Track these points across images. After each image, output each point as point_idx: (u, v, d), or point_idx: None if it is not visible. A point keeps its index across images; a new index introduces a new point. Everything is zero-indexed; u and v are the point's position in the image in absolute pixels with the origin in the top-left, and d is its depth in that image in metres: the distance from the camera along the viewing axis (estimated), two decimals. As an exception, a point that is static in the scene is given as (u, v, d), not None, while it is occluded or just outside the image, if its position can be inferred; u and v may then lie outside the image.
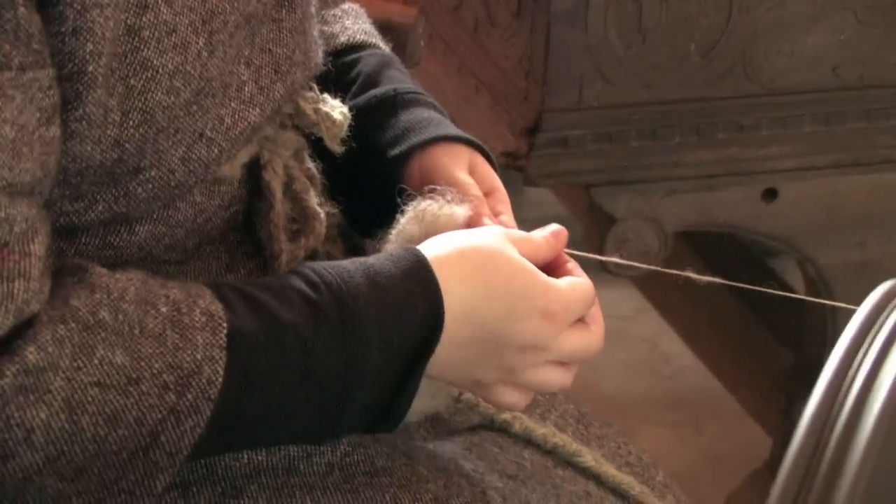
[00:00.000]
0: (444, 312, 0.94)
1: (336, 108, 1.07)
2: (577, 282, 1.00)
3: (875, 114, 1.69)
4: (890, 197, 1.73)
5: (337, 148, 1.08)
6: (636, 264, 1.23)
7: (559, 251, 1.03)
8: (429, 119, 1.10)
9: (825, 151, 1.70)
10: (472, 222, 1.03)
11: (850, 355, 0.71)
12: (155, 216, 0.97)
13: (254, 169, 1.04)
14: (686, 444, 2.39)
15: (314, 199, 1.06)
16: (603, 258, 1.35)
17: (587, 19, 1.56)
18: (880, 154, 1.71)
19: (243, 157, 1.02)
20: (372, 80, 1.14)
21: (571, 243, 1.79)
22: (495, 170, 1.10)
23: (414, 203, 1.03)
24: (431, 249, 0.97)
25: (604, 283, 2.47)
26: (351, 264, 0.95)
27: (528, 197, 2.54)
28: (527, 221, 2.72)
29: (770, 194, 1.71)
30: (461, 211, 1.02)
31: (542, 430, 1.13)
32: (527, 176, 1.63)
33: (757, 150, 1.67)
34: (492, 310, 0.96)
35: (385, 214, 1.04)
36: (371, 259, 0.96)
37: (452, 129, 1.10)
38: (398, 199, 1.04)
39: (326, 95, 1.08)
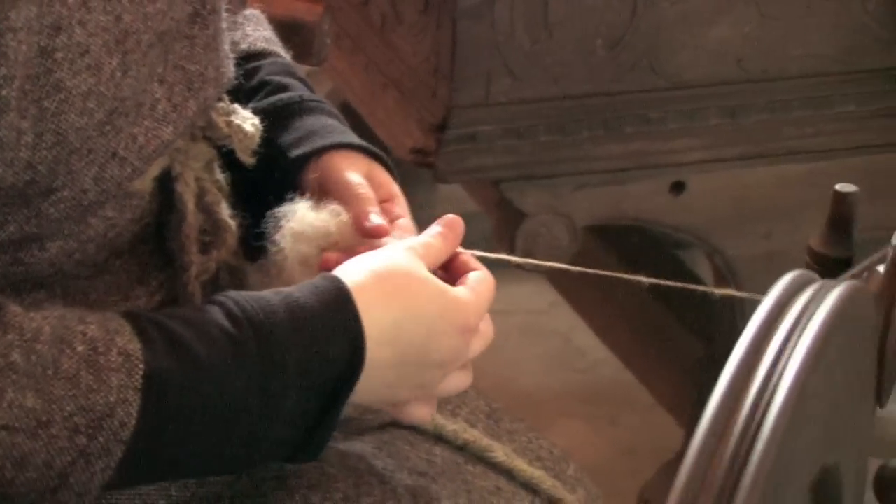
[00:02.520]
0: (365, 346, 0.95)
1: (248, 120, 1.07)
2: (478, 284, 1.01)
3: (779, 106, 1.71)
4: (795, 188, 1.74)
5: (249, 160, 1.07)
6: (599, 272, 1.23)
7: (456, 244, 1.04)
8: (332, 126, 1.11)
9: (731, 144, 1.71)
10: (357, 223, 1.03)
11: (754, 346, 0.72)
12: (66, 232, 0.96)
13: (165, 181, 1.03)
14: (601, 436, 2.40)
15: (226, 211, 1.06)
16: (567, 267, 1.34)
17: (493, 15, 1.57)
18: (785, 145, 1.73)
19: (154, 170, 1.01)
20: (280, 86, 1.14)
21: (483, 239, 1.80)
22: (395, 178, 1.10)
23: (287, 222, 1.03)
24: (351, 276, 0.97)
25: (517, 279, 2.48)
26: (274, 296, 0.95)
27: (441, 193, 2.54)
28: (438, 218, 2.72)
29: (678, 187, 1.72)
30: (334, 222, 1.03)
31: (453, 427, 1.13)
32: (436, 172, 1.63)
33: (664, 144, 1.69)
34: (413, 333, 0.97)
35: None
36: (294, 292, 0.96)
37: (354, 138, 1.10)
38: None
39: (237, 106, 1.07)
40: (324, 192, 1.06)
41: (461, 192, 2.24)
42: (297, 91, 1.14)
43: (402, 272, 0.97)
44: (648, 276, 2.08)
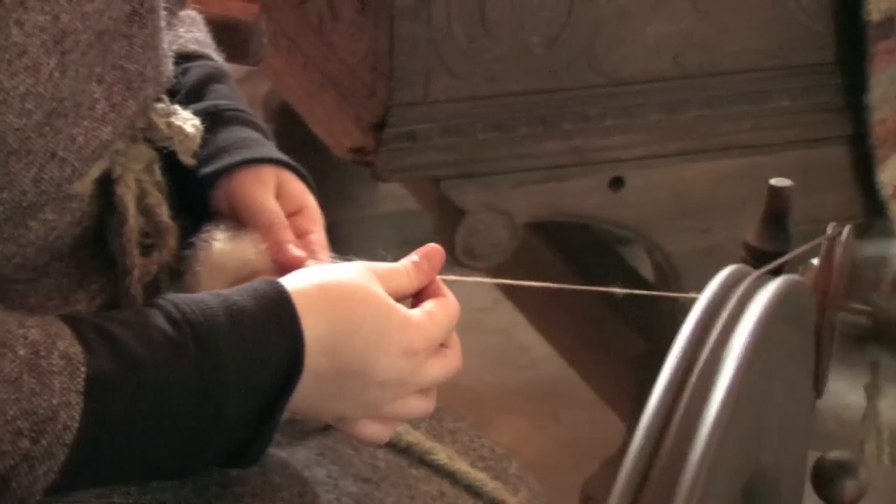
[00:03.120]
0: (304, 352, 0.94)
1: (188, 121, 1.06)
2: (436, 309, 1.00)
3: (716, 101, 1.72)
4: (734, 183, 1.75)
5: (190, 161, 1.07)
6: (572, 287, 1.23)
7: (432, 274, 1.02)
8: (244, 140, 1.10)
9: (669, 139, 1.72)
10: (274, 255, 1.03)
11: (693, 342, 0.72)
12: (5, 235, 0.95)
13: (105, 183, 1.02)
14: (544, 432, 2.41)
15: (167, 213, 1.05)
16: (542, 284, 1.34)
17: (431, 13, 1.57)
18: (723, 140, 1.74)
19: (95, 172, 1.00)
20: (195, 93, 1.13)
21: (423, 237, 1.80)
22: (309, 186, 1.10)
23: (204, 243, 1.03)
24: (294, 283, 0.96)
25: (462, 275, 2.47)
26: (214, 299, 0.94)
27: (382, 192, 2.54)
28: (381, 216, 2.73)
29: (617, 183, 1.73)
30: (252, 252, 1.03)
31: (397, 429, 1.13)
32: (375, 171, 1.63)
33: (603, 140, 1.69)
34: (352, 345, 0.96)
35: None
36: (234, 295, 0.95)
37: (264, 150, 1.09)
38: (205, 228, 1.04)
39: (178, 107, 1.07)
40: (234, 215, 1.05)
41: (403, 190, 2.24)
42: (214, 99, 1.13)
43: (348, 285, 0.97)
44: (590, 271, 2.10)
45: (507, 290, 2.42)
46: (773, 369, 0.77)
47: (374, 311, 0.96)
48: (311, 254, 1.04)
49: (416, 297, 1.02)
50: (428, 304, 1.00)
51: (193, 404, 0.91)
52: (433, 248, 1.03)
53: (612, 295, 2.10)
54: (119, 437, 0.89)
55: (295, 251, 1.03)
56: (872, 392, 1.82)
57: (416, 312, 0.99)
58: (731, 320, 0.73)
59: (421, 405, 1.00)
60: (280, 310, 0.94)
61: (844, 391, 2.11)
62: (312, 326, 0.94)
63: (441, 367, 1.00)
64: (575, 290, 2.18)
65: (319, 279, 0.97)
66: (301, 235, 1.06)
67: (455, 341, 1.02)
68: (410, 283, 1.01)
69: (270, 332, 0.93)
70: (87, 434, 0.88)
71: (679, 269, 1.78)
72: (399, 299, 1.00)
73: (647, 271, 2.02)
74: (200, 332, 0.92)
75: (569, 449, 2.35)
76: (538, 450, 2.34)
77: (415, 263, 1.02)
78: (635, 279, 2.03)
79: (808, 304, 0.85)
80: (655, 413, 0.67)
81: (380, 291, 0.97)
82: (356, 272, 0.98)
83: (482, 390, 2.51)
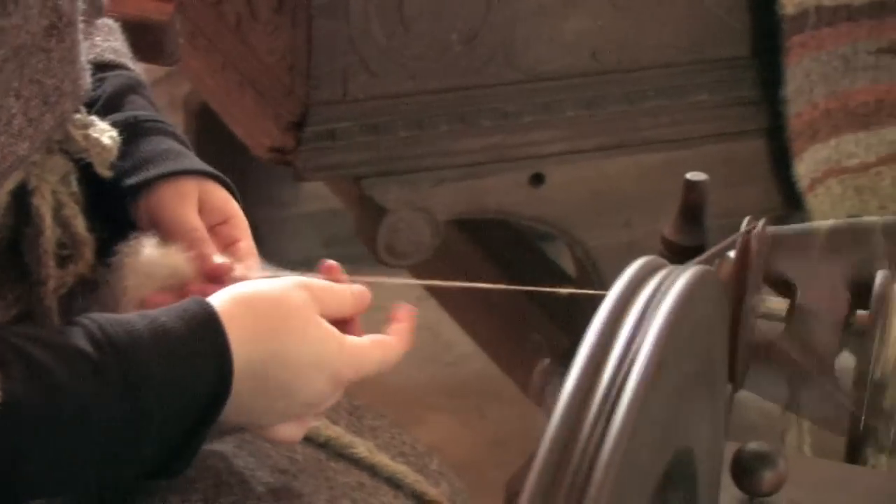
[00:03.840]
0: (232, 377, 0.94)
1: (105, 133, 1.05)
2: (382, 341, 1.01)
3: (635, 96, 1.73)
4: (653, 177, 1.76)
5: (106, 173, 1.06)
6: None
7: (362, 310, 1.03)
8: (165, 151, 1.09)
9: (589, 135, 1.73)
10: (200, 268, 1.02)
11: (604, 335, 0.73)
12: None
13: (21, 195, 1.01)
14: (470, 429, 2.41)
15: (83, 225, 1.04)
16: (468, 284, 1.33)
17: (348, 11, 1.57)
18: (642, 136, 1.75)
19: (10, 183, 0.99)
20: (112, 104, 1.12)
21: (347, 236, 1.78)
22: (234, 194, 1.09)
23: (130, 253, 1.02)
24: (224, 303, 0.96)
25: (383, 274, 2.46)
26: (139, 320, 0.93)
27: (305, 191, 2.53)
28: (305, 216, 2.72)
29: (537, 179, 1.73)
30: (180, 260, 1.02)
31: (315, 424, 1.13)
32: (295, 170, 1.63)
33: (522, 136, 1.70)
34: (281, 370, 0.96)
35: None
36: (162, 316, 0.94)
37: (185, 162, 1.09)
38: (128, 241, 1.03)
39: (94, 118, 1.06)
40: (156, 228, 1.05)
41: (326, 189, 2.23)
42: (133, 110, 1.12)
43: (282, 305, 0.97)
44: (512, 268, 2.10)
45: (430, 287, 2.41)
46: (685, 362, 0.77)
47: (308, 334, 0.97)
48: (238, 262, 1.04)
49: (347, 324, 1.02)
50: (377, 337, 1.01)
51: (115, 428, 0.90)
52: (364, 291, 1.03)
53: (536, 291, 2.11)
54: (37, 460, 0.89)
55: (219, 259, 1.03)
56: (794, 381, 1.83)
57: (354, 338, 0.99)
58: (644, 311, 0.73)
59: (331, 401, 1.01)
60: (209, 332, 0.93)
61: (766, 381, 2.13)
62: (242, 349, 0.94)
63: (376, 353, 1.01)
64: (505, 288, 2.19)
65: (251, 298, 0.96)
66: (229, 245, 1.06)
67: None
68: (352, 307, 1.02)
69: (198, 355, 0.93)
70: (3, 458, 0.87)
71: (600, 264, 1.79)
72: (333, 320, 0.99)
73: (569, 266, 2.03)
74: (124, 354, 0.91)
75: (495, 445, 2.35)
76: (464, 446, 2.34)
77: (354, 293, 1.02)
78: (557, 275, 2.04)
79: (721, 295, 0.86)
80: (568, 407, 0.67)
81: (314, 314, 0.97)
82: (292, 290, 0.98)
83: (408, 388, 2.51)
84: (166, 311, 0.94)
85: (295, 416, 0.99)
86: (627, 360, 0.70)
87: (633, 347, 0.72)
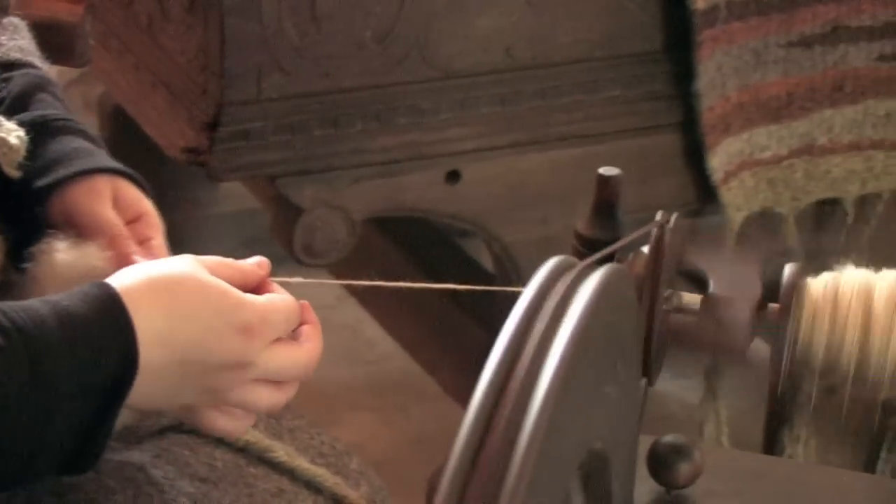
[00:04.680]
0: (137, 349, 0.93)
1: (12, 132, 1.04)
2: (276, 296, 0.99)
3: (549, 92, 1.73)
4: (568, 172, 1.77)
5: (14, 173, 1.05)
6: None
7: (262, 278, 1.02)
8: (76, 150, 1.08)
9: (504, 131, 1.73)
10: (118, 264, 1.02)
11: (517, 334, 0.73)
12: None
13: None
14: (392, 427, 2.41)
15: None
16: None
17: (261, 11, 1.56)
18: (556, 131, 1.76)
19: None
20: (19, 104, 1.11)
21: (266, 236, 1.78)
22: (146, 192, 1.09)
23: (46, 254, 1.01)
24: (122, 281, 0.95)
25: (303, 274, 2.45)
26: (42, 305, 0.92)
27: (223, 191, 2.52)
28: (223, 216, 2.70)
29: (453, 176, 1.73)
30: (96, 260, 1.02)
31: (250, 424, 1.12)
32: (210, 171, 1.62)
33: (438, 134, 1.70)
34: (187, 332, 0.95)
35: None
36: (64, 300, 0.93)
37: (97, 160, 1.08)
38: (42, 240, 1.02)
39: (1, 118, 1.05)
40: (72, 228, 1.04)
41: (244, 189, 2.22)
42: (42, 110, 1.11)
43: (178, 274, 0.96)
44: (430, 265, 2.10)
45: (350, 286, 2.41)
46: (598, 358, 0.78)
47: (207, 294, 0.96)
48: (149, 252, 1.04)
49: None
50: (270, 294, 1.00)
51: (26, 413, 0.89)
52: (264, 260, 1.03)
53: (450, 289, 2.11)
54: None
55: (140, 259, 1.03)
56: (711, 374, 1.85)
57: (252, 295, 0.98)
58: (555, 312, 0.74)
59: (266, 395, 0.99)
60: (111, 310, 0.93)
61: (685, 374, 2.15)
62: (146, 320, 0.93)
63: (287, 355, 0.98)
64: (420, 287, 2.19)
65: (148, 273, 0.96)
66: (141, 242, 1.06)
67: (315, 336, 1.02)
68: (241, 277, 1.00)
69: (102, 333, 0.92)
70: None
71: (517, 260, 1.79)
72: None
73: (488, 263, 2.03)
74: (31, 340, 0.90)
75: (417, 443, 2.35)
76: (386, 445, 2.34)
77: (252, 264, 1.02)
78: (476, 271, 2.04)
79: (632, 291, 0.86)
80: (481, 405, 0.67)
81: (208, 276, 0.97)
82: (184, 263, 0.97)
83: (330, 387, 2.50)
84: (68, 296, 0.93)
85: (219, 385, 0.97)
86: (540, 359, 0.71)
87: (546, 346, 0.72)
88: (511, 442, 0.68)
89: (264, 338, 0.97)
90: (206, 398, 0.98)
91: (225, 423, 0.99)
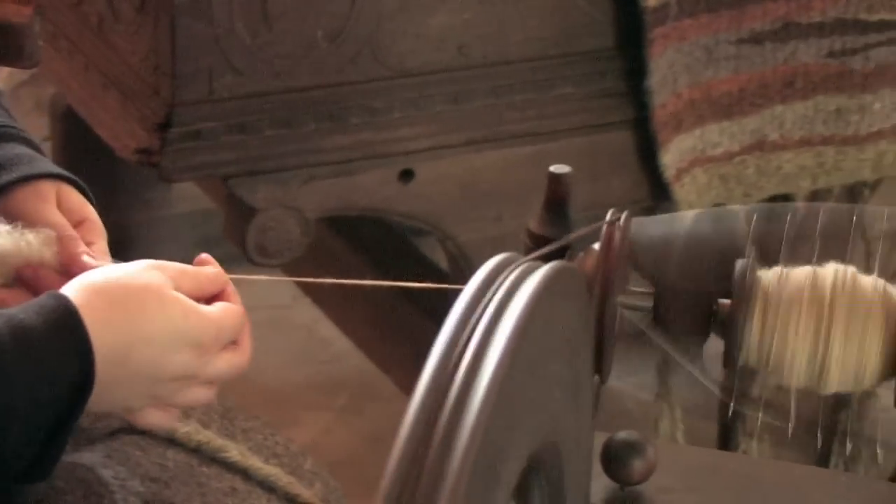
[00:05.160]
0: (94, 367, 0.93)
1: None
2: (228, 308, 1.00)
3: (502, 90, 1.74)
4: (522, 170, 1.77)
5: None
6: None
7: (216, 283, 1.02)
8: (18, 157, 1.09)
9: (457, 130, 1.73)
10: (69, 267, 1.02)
11: (458, 331, 0.73)
12: None
13: None
14: (348, 427, 2.41)
15: None
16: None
17: (212, 11, 1.55)
18: (509, 129, 1.76)
19: None
20: None
21: (221, 236, 1.77)
22: (89, 199, 1.09)
23: None
24: (80, 293, 0.95)
25: (258, 274, 2.44)
26: None
27: (177, 192, 2.51)
28: (177, 217, 2.69)
29: (407, 175, 1.73)
30: (48, 255, 1.01)
31: (186, 429, 1.12)
32: (162, 171, 1.61)
33: (391, 133, 1.70)
34: (144, 351, 0.95)
35: None
36: (19, 312, 0.93)
37: (41, 166, 1.08)
38: None
39: None
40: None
41: (198, 189, 2.22)
42: None
43: (138, 286, 0.96)
44: (385, 264, 2.10)
45: (305, 286, 2.41)
46: (545, 354, 0.78)
47: (167, 311, 0.96)
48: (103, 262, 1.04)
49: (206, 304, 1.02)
50: (220, 302, 1.01)
51: None
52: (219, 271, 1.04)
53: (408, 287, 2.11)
54: None
55: (91, 262, 1.03)
56: (664, 370, 1.85)
57: (205, 306, 0.99)
58: (498, 308, 0.74)
59: (203, 394, 1.01)
60: (67, 325, 0.92)
61: (642, 370, 2.15)
62: (103, 337, 0.93)
63: (229, 361, 1.00)
64: (372, 284, 2.18)
65: (105, 284, 0.96)
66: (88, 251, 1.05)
67: (246, 342, 1.03)
68: (200, 291, 1.01)
69: (59, 350, 0.92)
70: None
71: (472, 258, 1.79)
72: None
73: (443, 261, 2.03)
74: None
75: (373, 442, 2.35)
76: (343, 444, 2.33)
77: (210, 274, 1.02)
78: (430, 270, 2.04)
79: (581, 288, 0.86)
80: (423, 402, 0.67)
81: (168, 290, 0.97)
82: (143, 271, 0.97)
83: (286, 387, 2.50)
84: (23, 309, 0.93)
85: (165, 393, 0.98)
86: (481, 356, 0.71)
87: (487, 342, 0.72)
88: (451, 442, 0.68)
89: (215, 352, 0.99)
90: (149, 402, 0.99)
91: (157, 418, 1.00)
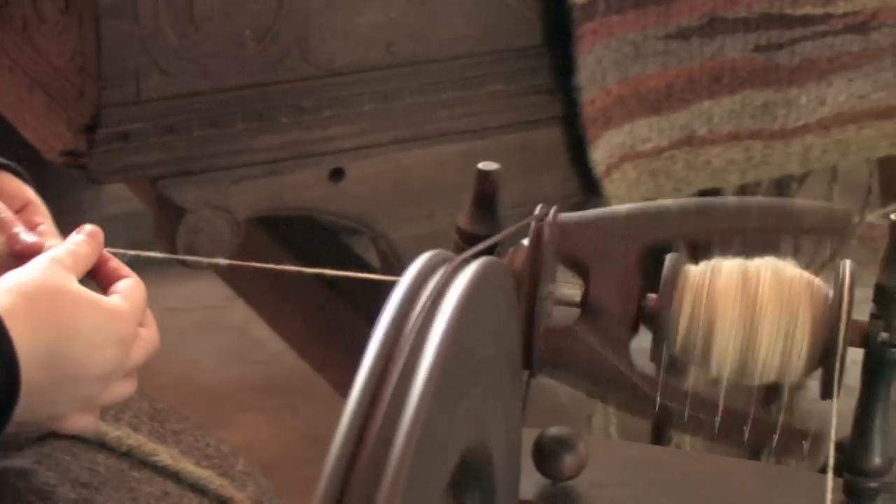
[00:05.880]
0: (20, 376, 0.92)
1: None
2: (130, 291, 1.00)
3: (430, 88, 1.73)
4: (452, 168, 1.77)
5: None
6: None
7: (99, 252, 1.02)
8: None
9: (386, 128, 1.73)
10: (10, 247, 1.02)
11: (392, 330, 0.73)
12: None
13: None
14: (283, 427, 2.40)
15: None
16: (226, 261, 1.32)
17: (137, 11, 1.54)
18: (439, 127, 1.76)
19: None
20: None
21: (152, 238, 1.75)
22: (28, 183, 1.08)
23: None
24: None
25: (192, 276, 2.43)
26: None
27: (108, 194, 2.49)
28: (108, 219, 2.68)
29: (337, 174, 1.73)
30: None
31: (116, 433, 1.11)
32: (89, 173, 1.60)
33: (320, 132, 1.69)
34: (69, 352, 0.95)
35: None
36: None
37: None
38: None
39: None
40: None
41: (128, 191, 2.20)
42: None
43: (53, 291, 0.95)
44: (318, 263, 2.09)
45: (239, 286, 2.40)
46: (476, 351, 0.78)
47: (82, 309, 0.96)
48: (44, 239, 1.03)
49: (97, 279, 1.02)
50: (121, 286, 1.01)
51: None
52: (94, 229, 1.03)
53: (342, 286, 2.11)
54: None
55: (28, 237, 1.02)
56: (597, 366, 1.85)
57: (116, 299, 0.99)
58: (430, 306, 0.74)
59: (127, 388, 1.01)
60: None
61: (567, 368, 2.15)
62: (28, 344, 0.92)
63: (143, 348, 1.00)
64: (304, 286, 2.18)
65: (21, 290, 0.95)
66: (30, 229, 1.04)
67: (151, 319, 1.02)
68: (87, 263, 1.01)
69: None
70: None
71: (403, 256, 1.79)
72: (81, 280, 0.99)
73: (374, 259, 2.03)
74: None
75: (308, 442, 2.35)
76: (278, 445, 2.33)
77: (85, 242, 1.02)
78: (363, 268, 2.03)
79: (510, 284, 0.86)
80: (357, 404, 0.67)
81: (81, 288, 0.97)
82: (52, 271, 0.97)
83: (220, 388, 2.49)
84: None
85: (91, 394, 0.98)
86: (415, 355, 0.71)
87: (422, 342, 0.72)
88: (387, 442, 0.68)
89: (133, 341, 0.99)
90: (77, 406, 0.98)
91: (84, 422, 1.00)
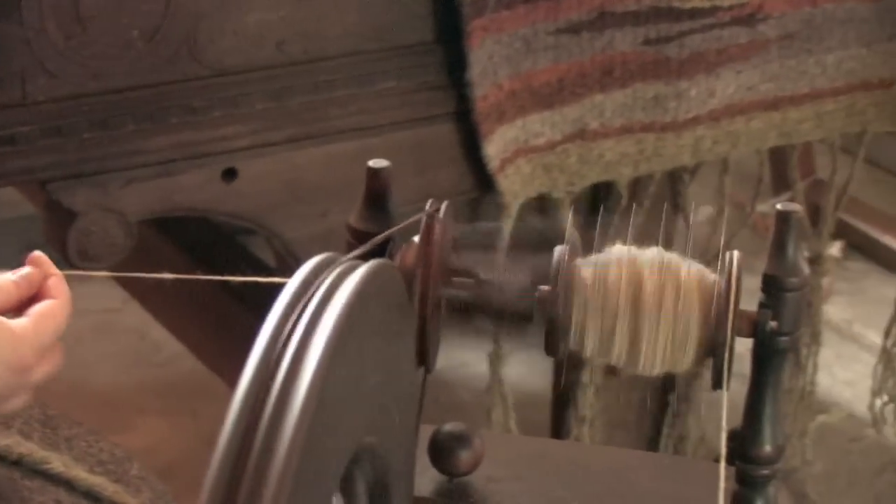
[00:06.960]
0: None
1: None
2: (42, 313, 0.98)
3: (322, 86, 1.73)
4: (346, 166, 1.77)
5: None
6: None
7: (38, 283, 1.00)
8: None
9: (279, 127, 1.72)
10: None
11: (275, 334, 0.73)
12: None
13: None
14: (182, 430, 2.39)
15: None
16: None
17: (21, 13, 1.52)
18: (332, 125, 1.75)
19: None
20: None
21: (44, 243, 1.73)
22: None
23: None
24: None
25: (88, 279, 2.40)
26: None
27: (1, 198, 2.46)
28: (1, 223, 2.63)
29: (229, 174, 1.71)
30: None
31: (6, 442, 1.10)
32: (-23, 178, 1.58)
33: (212, 132, 1.68)
34: None
35: None
36: None
37: None
38: None
39: None
40: None
41: (21, 195, 2.17)
42: None
43: None
44: (214, 264, 2.07)
45: (135, 289, 2.38)
46: (365, 351, 0.78)
47: None
48: None
49: (28, 302, 1.00)
50: (35, 308, 0.99)
51: None
52: (38, 255, 1.01)
53: (238, 288, 2.09)
54: None
55: None
56: (495, 360, 1.86)
57: (23, 322, 0.97)
58: (316, 310, 0.74)
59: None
60: None
61: (474, 362, 2.16)
62: None
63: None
64: (200, 288, 2.16)
65: None
66: None
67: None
68: (19, 295, 0.99)
69: None
70: None
71: (299, 255, 1.78)
72: (5, 312, 0.97)
73: (270, 259, 2.02)
74: None
75: (208, 444, 2.33)
76: (178, 447, 2.31)
77: (24, 276, 1.00)
78: (260, 268, 2.03)
79: (399, 283, 0.86)
80: (240, 410, 0.67)
81: None
82: None
83: (118, 392, 2.47)
84: None
85: None
86: (300, 356, 0.70)
87: (306, 343, 0.72)
88: (272, 443, 0.67)
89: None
90: None
91: None
